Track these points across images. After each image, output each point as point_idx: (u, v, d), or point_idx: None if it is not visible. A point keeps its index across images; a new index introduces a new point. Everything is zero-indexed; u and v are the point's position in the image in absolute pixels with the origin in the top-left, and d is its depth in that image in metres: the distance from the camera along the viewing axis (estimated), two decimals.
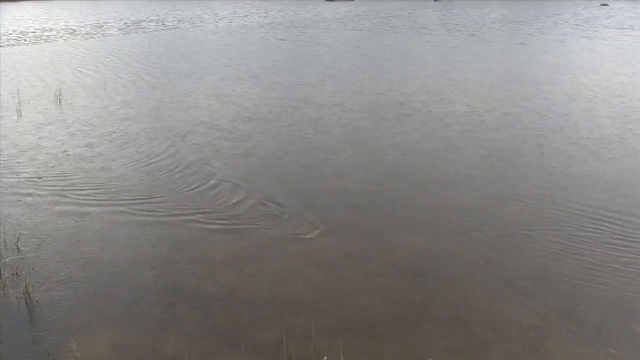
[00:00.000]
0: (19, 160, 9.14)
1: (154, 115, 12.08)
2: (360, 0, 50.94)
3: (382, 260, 6.14)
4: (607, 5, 48.44)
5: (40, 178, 8.42)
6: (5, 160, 9.17)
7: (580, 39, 24.59)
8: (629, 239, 6.57)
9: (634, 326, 5.03)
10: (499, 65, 18.39)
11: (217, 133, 10.70)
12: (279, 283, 5.74)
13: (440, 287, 5.66)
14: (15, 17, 36.62)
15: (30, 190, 7.97)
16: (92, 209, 7.39)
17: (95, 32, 27.92)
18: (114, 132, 10.80)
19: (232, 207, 7.45)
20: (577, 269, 5.93)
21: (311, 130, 10.85)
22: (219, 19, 34.85)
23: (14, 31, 28.48)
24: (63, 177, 8.45)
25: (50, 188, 8.05)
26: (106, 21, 33.46)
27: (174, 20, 33.85)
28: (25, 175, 8.54)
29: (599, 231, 6.75)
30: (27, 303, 5.39)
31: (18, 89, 14.38)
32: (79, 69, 17.76)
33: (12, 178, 8.42)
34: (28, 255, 6.23)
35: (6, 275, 5.81)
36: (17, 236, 6.56)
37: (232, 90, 14.46)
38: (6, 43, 24.22)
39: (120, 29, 29.13)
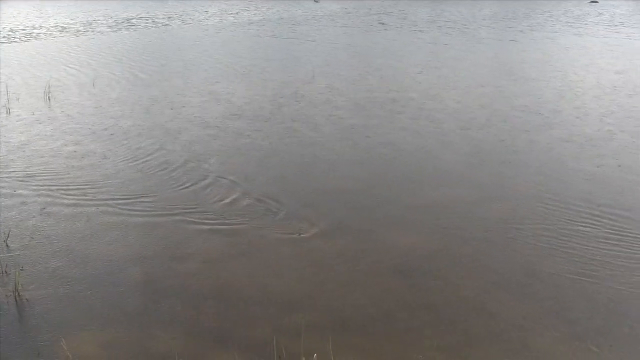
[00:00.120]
0: (7, 158, 9.09)
1: (144, 113, 12.03)
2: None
3: (372, 259, 6.15)
4: (597, 2, 48.65)
5: (29, 176, 8.38)
6: None
7: (571, 36, 24.68)
8: (620, 233, 6.61)
9: (621, 323, 5.06)
10: (489, 63, 18.43)
11: (207, 130, 10.67)
12: (269, 281, 5.74)
13: (431, 285, 5.67)
14: (6, 15, 36.43)
15: (20, 188, 7.93)
16: (82, 207, 7.36)
17: (85, 30, 27.79)
18: (104, 129, 10.75)
19: (222, 205, 7.44)
20: (567, 265, 5.96)
21: (302, 128, 10.84)
22: (209, 16, 34.76)
23: (3, 29, 28.32)
24: (52, 175, 8.41)
25: (40, 186, 8.02)
26: (96, 19, 33.32)
27: (164, 18, 33.74)
28: (14, 173, 8.49)
29: (589, 226, 6.79)
30: (16, 301, 5.37)
31: (7, 87, 14.29)
32: (68, 66, 17.67)
33: (1, 176, 8.37)
34: (17, 253, 6.20)
35: None
36: (7, 234, 6.53)
37: (223, 88, 14.43)
38: None
39: (110, 26, 29.01)
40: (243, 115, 11.80)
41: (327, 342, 4.70)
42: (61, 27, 29.14)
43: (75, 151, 9.47)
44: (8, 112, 12.03)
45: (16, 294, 5.44)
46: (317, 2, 48.51)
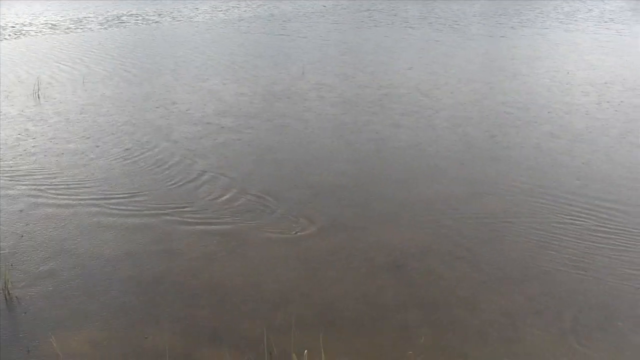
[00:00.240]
0: None
1: (135, 110, 11.99)
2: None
3: (364, 256, 6.16)
4: None
5: (19, 174, 8.34)
6: None
7: (561, 32, 24.74)
8: (611, 227, 6.65)
9: (613, 317, 5.09)
10: (480, 59, 18.45)
11: (197, 127, 10.65)
12: (260, 278, 5.74)
13: (421, 281, 5.69)
14: None
15: (9, 187, 7.90)
16: (72, 205, 7.34)
17: (75, 27, 27.65)
18: (94, 127, 10.71)
19: (213, 203, 7.43)
20: (558, 259, 5.99)
21: (293, 125, 10.83)
22: (200, 13, 34.65)
23: None
24: (42, 173, 8.38)
25: (29, 184, 7.98)
26: (87, 16, 33.16)
27: (154, 14, 33.61)
28: (4, 171, 8.45)
29: (580, 221, 6.83)
30: (6, 299, 5.36)
31: None
32: (58, 63, 17.58)
33: None
34: (7, 251, 6.18)
35: None
36: None
37: (214, 85, 14.39)
38: None
39: (100, 23, 28.89)
40: (234, 112, 11.79)
41: (318, 339, 4.71)
42: (51, 24, 29.00)
43: (65, 149, 9.43)
44: None
45: (6, 292, 5.42)
46: None
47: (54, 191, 7.75)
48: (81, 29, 27.05)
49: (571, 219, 6.89)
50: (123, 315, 5.14)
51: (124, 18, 31.65)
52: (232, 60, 18.00)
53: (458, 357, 4.61)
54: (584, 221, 6.84)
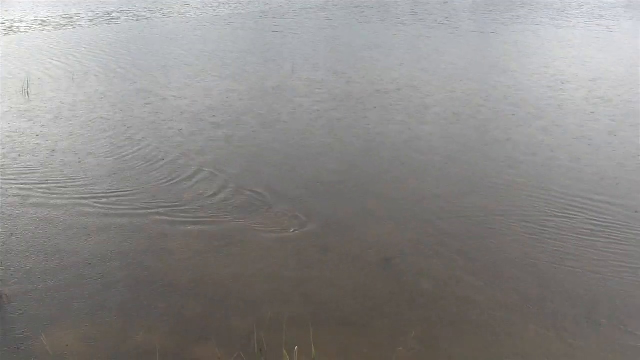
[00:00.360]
0: None
1: (125, 107, 11.95)
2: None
3: (353, 251, 6.17)
4: None
5: (8, 172, 8.30)
6: None
7: (552, 28, 24.80)
8: (601, 222, 6.69)
9: (602, 312, 5.13)
10: (471, 55, 18.48)
11: (189, 125, 10.63)
12: (250, 274, 5.75)
13: (411, 277, 5.71)
14: None
15: None
16: (62, 203, 7.32)
17: (65, 23, 27.52)
18: (84, 124, 10.67)
19: (203, 200, 7.43)
20: (549, 254, 6.02)
21: (284, 121, 10.82)
22: (191, 10, 34.54)
23: None
24: (32, 172, 8.34)
25: (19, 181, 7.95)
26: (77, 12, 33.01)
27: (145, 11, 33.49)
28: None
29: (571, 216, 6.88)
30: None
31: None
32: (47, 60, 17.48)
33: None
34: None
35: None
36: None
37: (204, 81, 14.36)
38: None
39: (90, 20, 28.76)
40: (225, 109, 11.76)
41: (309, 334, 4.72)
42: (41, 20, 28.85)
43: (54, 146, 9.39)
44: None
45: None
46: None
47: (44, 189, 7.72)
48: (71, 25, 26.92)
49: (563, 214, 6.93)
50: (113, 311, 5.13)
51: (114, 14, 31.52)
52: (224, 57, 17.96)
53: (448, 352, 4.63)
54: (576, 215, 6.88)
